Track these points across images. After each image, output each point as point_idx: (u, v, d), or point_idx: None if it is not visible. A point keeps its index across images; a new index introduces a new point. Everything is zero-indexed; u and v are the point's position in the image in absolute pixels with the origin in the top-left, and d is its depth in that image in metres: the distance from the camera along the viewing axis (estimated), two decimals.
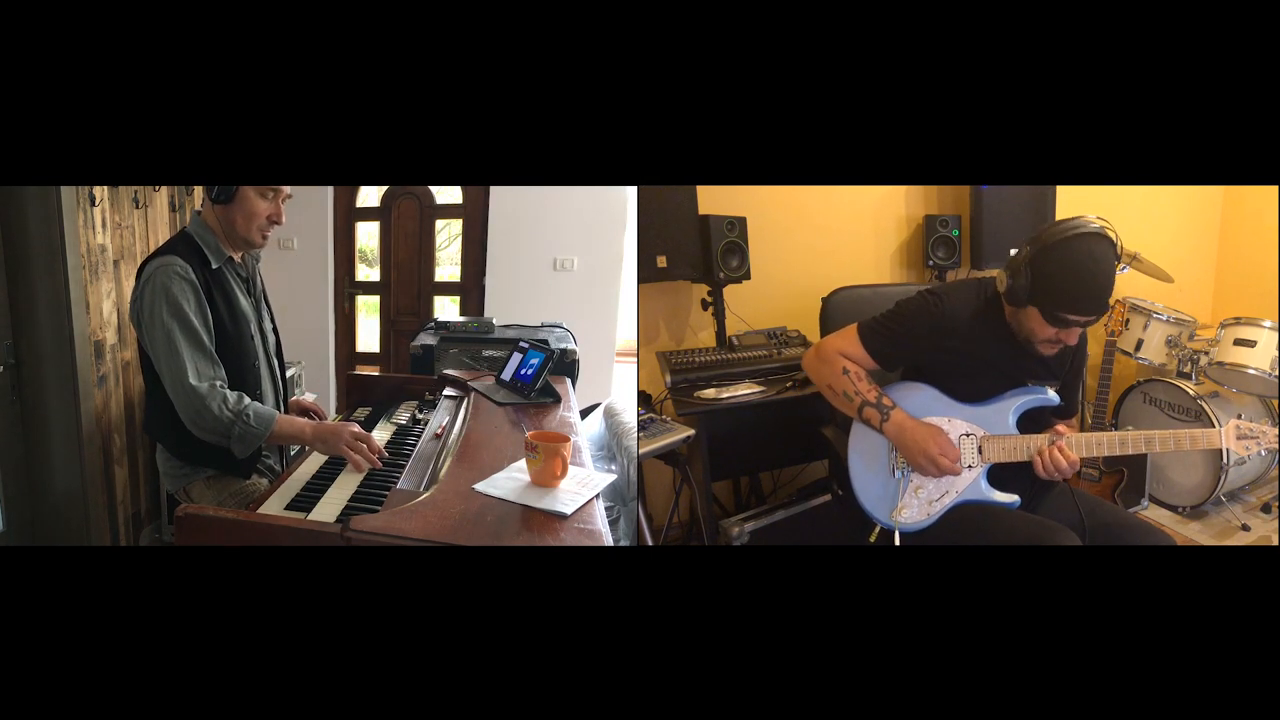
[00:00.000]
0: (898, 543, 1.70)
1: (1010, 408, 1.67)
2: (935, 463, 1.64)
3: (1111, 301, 2.80)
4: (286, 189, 1.76)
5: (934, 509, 1.69)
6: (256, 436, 1.62)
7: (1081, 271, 1.51)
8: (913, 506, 1.70)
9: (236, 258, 1.79)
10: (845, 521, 1.91)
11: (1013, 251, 1.65)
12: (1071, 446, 1.60)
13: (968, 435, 1.67)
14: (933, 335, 1.67)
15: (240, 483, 1.78)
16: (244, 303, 1.78)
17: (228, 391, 1.62)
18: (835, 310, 2.18)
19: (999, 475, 1.68)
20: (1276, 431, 1.56)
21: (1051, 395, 1.68)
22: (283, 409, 1.94)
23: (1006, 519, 1.64)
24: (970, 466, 1.67)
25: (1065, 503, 1.70)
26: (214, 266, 1.70)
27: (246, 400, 1.63)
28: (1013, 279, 1.58)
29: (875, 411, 1.68)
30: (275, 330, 1.96)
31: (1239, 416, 1.57)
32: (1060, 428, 1.73)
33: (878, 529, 1.73)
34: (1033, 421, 1.71)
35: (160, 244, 1.79)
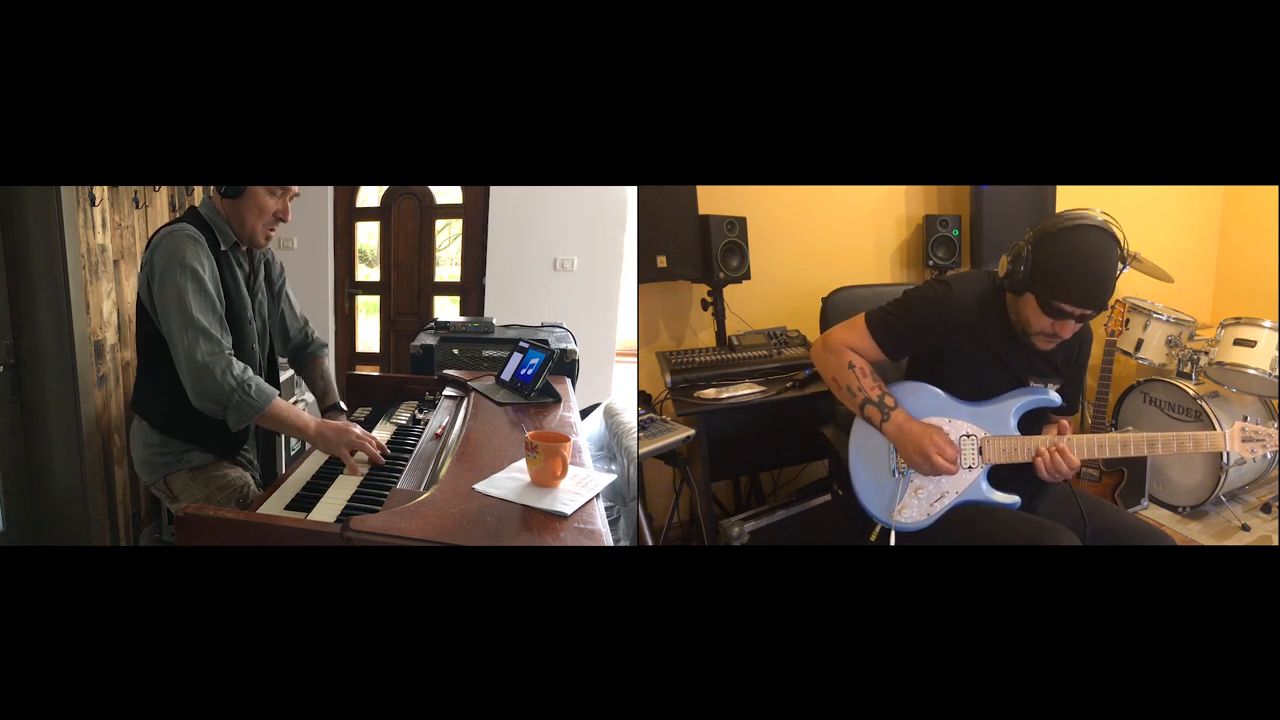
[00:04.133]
0: (897, 542, 1.70)
1: (1011, 408, 1.66)
2: (930, 460, 1.63)
3: (1111, 301, 2.82)
4: (295, 187, 1.75)
5: (934, 509, 1.69)
6: (254, 409, 1.59)
7: (1079, 260, 1.52)
8: (913, 506, 1.70)
9: (241, 249, 1.79)
10: (845, 521, 1.90)
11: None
12: (1073, 448, 1.59)
13: (968, 436, 1.67)
14: (941, 324, 1.66)
15: (222, 472, 1.76)
16: (243, 291, 1.77)
17: (234, 359, 1.60)
18: (835, 310, 2.18)
19: (1000, 476, 1.68)
20: None
21: (1053, 396, 1.68)
22: None
23: (1006, 519, 1.64)
24: (970, 467, 1.67)
25: (1066, 503, 1.69)
26: (222, 248, 1.70)
27: (250, 372, 1.62)
28: (1012, 264, 1.60)
29: (876, 410, 1.67)
30: (285, 324, 1.99)
31: (1244, 419, 1.56)
32: (1063, 428, 1.73)
33: (878, 529, 1.73)
34: (1034, 420, 1.71)
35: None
